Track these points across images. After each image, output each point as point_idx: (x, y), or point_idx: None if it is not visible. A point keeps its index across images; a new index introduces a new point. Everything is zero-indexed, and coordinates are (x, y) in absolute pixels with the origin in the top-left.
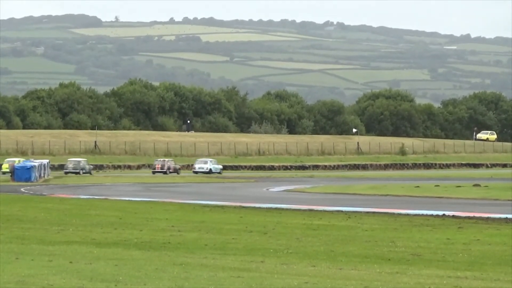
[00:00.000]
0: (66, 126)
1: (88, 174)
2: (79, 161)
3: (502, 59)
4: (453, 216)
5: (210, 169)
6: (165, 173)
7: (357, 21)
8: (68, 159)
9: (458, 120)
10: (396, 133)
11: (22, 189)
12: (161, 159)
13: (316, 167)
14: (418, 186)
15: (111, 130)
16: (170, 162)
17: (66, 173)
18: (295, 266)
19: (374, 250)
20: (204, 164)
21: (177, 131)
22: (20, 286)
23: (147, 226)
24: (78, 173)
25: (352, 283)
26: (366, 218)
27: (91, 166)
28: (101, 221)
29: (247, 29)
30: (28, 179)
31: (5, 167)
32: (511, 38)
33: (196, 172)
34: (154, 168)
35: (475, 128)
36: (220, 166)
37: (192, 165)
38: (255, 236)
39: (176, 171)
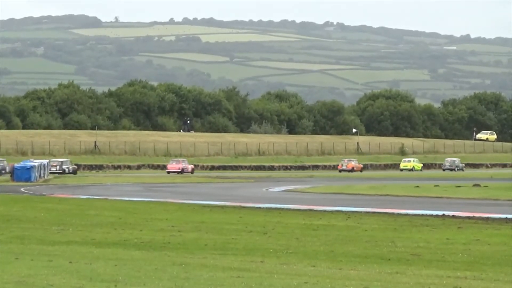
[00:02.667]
0: (66, 126)
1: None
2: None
3: (502, 60)
4: (453, 216)
5: None
6: None
7: (357, 21)
8: (446, 159)
9: (458, 120)
10: (396, 133)
11: (22, 189)
12: None
13: (316, 167)
14: (418, 186)
15: (111, 130)
16: None
17: (443, 169)
18: (294, 266)
19: (374, 250)
20: None
21: (177, 131)
22: (19, 286)
23: (147, 226)
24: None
25: (352, 283)
26: (366, 218)
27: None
28: (101, 221)
29: (247, 30)
30: (28, 179)
31: (404, 165)
32: (511, 39)
33: None
34: None
35: (475, 129)
36: None
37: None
38: (255, 236)
39: None
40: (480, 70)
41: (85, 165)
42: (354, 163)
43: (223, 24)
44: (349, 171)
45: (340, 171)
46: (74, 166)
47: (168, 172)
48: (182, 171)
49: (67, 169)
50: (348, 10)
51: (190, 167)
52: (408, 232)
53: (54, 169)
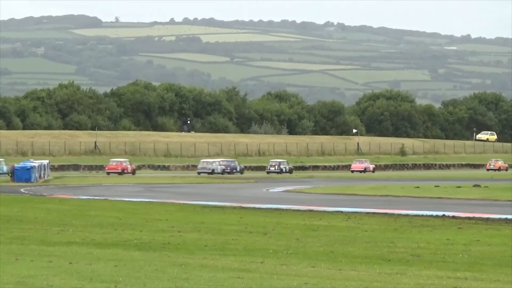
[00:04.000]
0: (66, 127)
1: None
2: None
3: (502, 60)
4: (453, 217)
5: None
6: None
7: (358, 21)
8: None
9: (458, 121)
10: (396, 133)
11: (22, 190)
12: None
13: (316, 167)
14: (418, 187)
15: (111, 130)
16: None
17: None
18: (294, 266)
19: (374, 251)
20: None
21: (178, 131)
22: (19, 286)
23: (147, 226)
24: None
25: (352, 284)
26: (366, 218)
27: None
28: (101, 221)
29: (248, 30)
30: (28, 180)
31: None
32: (511, 39)
33: None
34: None
35: (475, 129)
36: None
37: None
38: (255, 237)
39: None
40: (480, 70)
41: (85, 165)
42: (501, 163)
43: (223, 24)
44: (496, 170)
45: (487, 170)
46: (291, 166)
47: (352, 171)
48: (364, 170)
49: (284, 169)
50: (349, 10)
51: (371, 166)
52: (408, 232)
53: (273, 169)
